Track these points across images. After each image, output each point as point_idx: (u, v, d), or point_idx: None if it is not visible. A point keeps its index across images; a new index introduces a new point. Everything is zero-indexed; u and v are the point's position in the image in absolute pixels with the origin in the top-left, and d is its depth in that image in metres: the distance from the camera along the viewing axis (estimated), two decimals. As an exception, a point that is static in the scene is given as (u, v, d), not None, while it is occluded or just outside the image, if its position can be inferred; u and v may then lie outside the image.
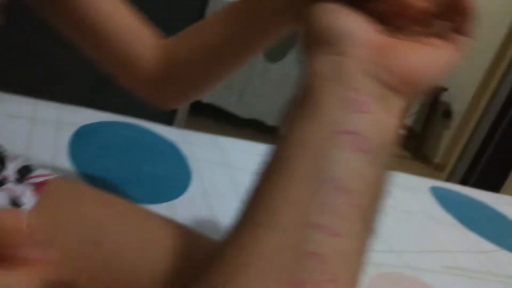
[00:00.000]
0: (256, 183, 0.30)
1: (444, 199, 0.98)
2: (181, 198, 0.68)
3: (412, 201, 0.93)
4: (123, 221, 0.43)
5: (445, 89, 3.11)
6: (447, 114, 3.13)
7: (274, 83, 2.47)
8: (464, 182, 2.13)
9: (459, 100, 3.05)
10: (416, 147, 3.22)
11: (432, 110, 3.15)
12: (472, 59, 2.99)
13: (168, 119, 1.86)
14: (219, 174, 0.77)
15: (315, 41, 0.32)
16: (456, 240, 0.86)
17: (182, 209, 0.65)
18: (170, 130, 0.86)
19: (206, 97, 2.40)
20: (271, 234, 0.27)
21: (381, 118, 0.30)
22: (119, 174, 0.68)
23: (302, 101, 0.31)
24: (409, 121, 3.36)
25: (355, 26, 0.32)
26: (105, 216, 0.43)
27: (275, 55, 2.42)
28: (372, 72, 0.30)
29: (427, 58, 0.32)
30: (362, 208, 0.28)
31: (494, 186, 2.03)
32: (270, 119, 2.57)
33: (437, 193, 1.00)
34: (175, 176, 0.72)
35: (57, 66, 1.67)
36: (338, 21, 0.32)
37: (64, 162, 0.67)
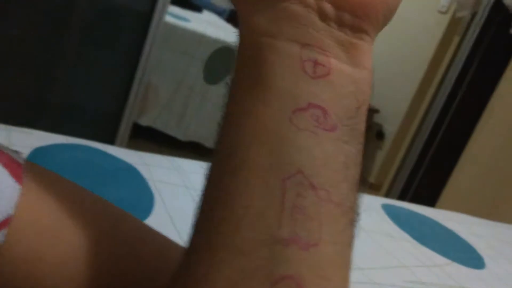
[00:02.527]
0: (204, 195, 0.24)
1: (396, 216, 1.01)
2: (146, 222, 0.65)
3: (367, 219, 0.95)
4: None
5: (377, 111, 3.24)
6: (380, 135, 3.25)
7: (214, 105, 2.47)
8: (401, 198, 2.21)
9: (391, 121, 3.18)
10: (351, 167, 3.32)
11: (365, 131, 3.26)
12: (401, 82, 3.14)
13: (108, 142, 1.81)
14: (182, 197, 0.75)
15: None
16: (412, 255, 0.88)
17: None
18: (125, 151, 0.83)
19: (145, 120, 2.35)
20: (232, 259, 0.21)
21: (348, 76, 0.23)
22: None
23: (243, 72, 0.24)
24: (343, 142, 3.45)
25: None
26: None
27: (214, 77, 2.43)
28: (327, 13, 0.23)
29: None
30: (338, 202, 0.22)
31: (429, 203, 2.13)
32: (210, 142, 2.55)
33: (388, 210, 1.03)
34: (137, 200, 0.69)
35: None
36: None
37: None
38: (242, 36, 0.24)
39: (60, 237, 0.27)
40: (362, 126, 0.24)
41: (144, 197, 0.71)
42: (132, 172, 0.76)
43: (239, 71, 0.24)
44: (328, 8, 0.23)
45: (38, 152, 0.70)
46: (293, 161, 0.22)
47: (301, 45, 0.23)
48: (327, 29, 0.23)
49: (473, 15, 2.06)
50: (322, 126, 0.22)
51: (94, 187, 0.70)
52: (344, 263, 0.23)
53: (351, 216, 0.23)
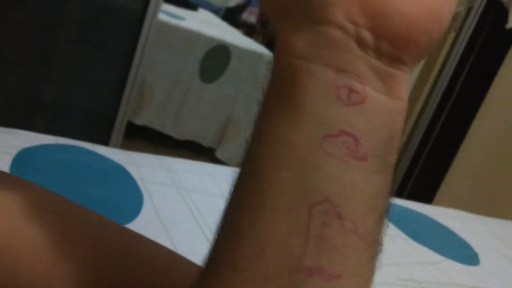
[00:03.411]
0: (228, 212, 0.23)
1: (391, 214, 1.00)
2: (134, 222, 0.65)
3: (361, 216, 0.94)
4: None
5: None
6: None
7: (210, 103, 2.46)
8: (398, 195, 2.21)
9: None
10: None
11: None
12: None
13: (102, 142, 1.80)
14: (170, 196, 0.74)
15: (282, 8, 0.23)
16: (406, 252, 0.88)
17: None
18: (115, 151, 0.82)
19: (141, 119, 2.34)
20: (255, 282, 0.21)
21: (383, 106, 0.22)
22: (66, 199, 0.63)
23: (276, 93, 0.23)
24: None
25: None
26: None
27: (210, 75, 2.42)
28: (366, 41, 0.22)
29: None
30: (364, 235, 0.22)
31: (427, 198, 2.12)
32: (206, 140, 2.55)
33: (383, 207, 1.03)
34: (126, 200, 0.69)
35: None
36: None
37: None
38: (277, 56, 0.24)
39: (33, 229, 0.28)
40: (392, 158, 0.23)
41: (132, 198, 0.70)
42: (121, 172, 0.75)
43: (272, 91, 0.24)
44: (367, 35, 0.22)
45: (26, 153, 0.70)
46: (321, 188, 0.21)
47: (337, 71, 0.22)
48: (364, 56, 0.22)
49: (469, 11, 2.05)
50: (353, 155, 0.22)
51: (83, 188, 0.70)
52: None
53: (375, 249, 0.23)
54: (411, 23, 0.22)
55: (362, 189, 0.22)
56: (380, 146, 0.22)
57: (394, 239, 0.90)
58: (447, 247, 0.96)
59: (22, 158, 0.68)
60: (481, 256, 0.97)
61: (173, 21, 2.26)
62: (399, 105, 0.23)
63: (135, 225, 0.65)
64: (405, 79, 0.23)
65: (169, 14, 2.30)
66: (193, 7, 2.83)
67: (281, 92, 0.23)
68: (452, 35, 2.27)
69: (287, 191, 0.22)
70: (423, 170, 2.17)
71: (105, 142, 1.81)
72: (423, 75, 2.89)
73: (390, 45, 0.22)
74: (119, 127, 1.82)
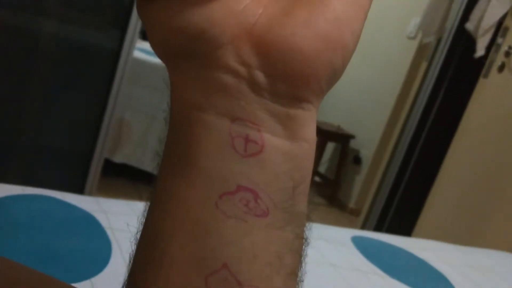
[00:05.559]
0: (126, 285, 0.22)
1: (366, 249, 1.00)
2: (102, 273, 0.64)
3: (336, 253, 0.94)
4: None
5: (353, 137, 3.26)
6: (357, 160, 3.27)
7: (189, 138, 2.46)
8: (379, 225, 2.21)
9: (367, 146, 3.20)
10: (331, 193, 3.32)
11: (342, 157, 3.27)
12: (376, 106, 3.18)
13: (79, 181, 1.78)
14: (141, 243, 0.73)
15: (170, 51, 0.22)
16: (381, 289, 0.87)
17: (104, 286, 0.61)
18: (85, 199, 0.81)
19: (119, 157, 2.33)
20: None
21: (284, 153, 0.21)
22: (31, 253, 0.62)
23: (171, 148, 0.22)
24: (322, 169, 3.46)
25: (215, 14, 0.20)
26: None
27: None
28: (259, 83, 0.21)
29: (333, 14, 0.20)
30: None
31: (408, 227, 2.13)
32: (187, 175, 2.54)
33: (358, 243, 1.03)
34: (94, 250, 0.68)
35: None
36: (186, 13, 0.20)
37: (-33, 245, 0.60)
38: (171, 104, 0.22)
39: None
40: (301, 206, 0.22)
41: (101, 247, 0.69)
42: (89, 221, 0.74)
43: (168, 146, 0.22)
44: (261, 77, 0.20)
45: (-10, 206, 0.69)
46: (218, 254, 0.20)
47: (231, 120, 0.20)
48: (259, 100, 0.20)
49: (439, 41, 2.10)
50: (253, 212, 0.20)
51: (50, 239, 0.69)
52: None
53: None
54: (307, 58, 0.20)
55: (264, 250, 0.20)
56: (283, 197, 0.21)
57: (369, 276, 0.90)
58: (423, 281, 0.96)
59: (-13, 211, 0.67)
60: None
61: (149, 58, 2.27)
62: (304, 147, 0.21)
63: (104, 276, 0.64)
64: (310, 118, 0.21)
65: (144, 51, 2.31)
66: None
67: (176, 147, 0.21)
68: (425, 64, 2.32)
69: (181, 261, 0.20)
70: (405, 194, 2.18)
71: (82, 181, 1.80)
72: (400, 103, 2.94)
73: (287, 85, 0.20)
74: (96, 166, 1.81)
